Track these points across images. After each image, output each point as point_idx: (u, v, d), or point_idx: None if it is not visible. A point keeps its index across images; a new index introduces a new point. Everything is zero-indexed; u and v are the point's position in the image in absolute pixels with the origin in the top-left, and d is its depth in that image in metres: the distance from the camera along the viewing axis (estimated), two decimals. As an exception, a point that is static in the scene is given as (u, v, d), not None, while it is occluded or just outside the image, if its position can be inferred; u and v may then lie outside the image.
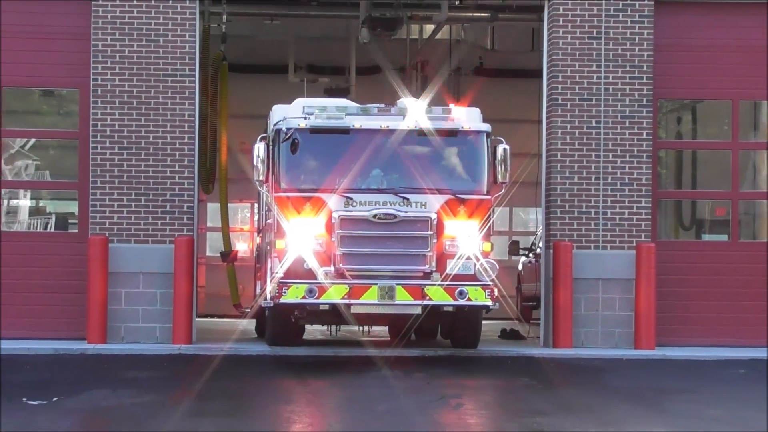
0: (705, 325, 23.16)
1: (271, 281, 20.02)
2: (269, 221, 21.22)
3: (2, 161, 23.45)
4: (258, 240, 26.33)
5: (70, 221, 23.99)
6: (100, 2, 22.50)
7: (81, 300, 22.27)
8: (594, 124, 22.89)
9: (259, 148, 20.09)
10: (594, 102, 22.92)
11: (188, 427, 15.27)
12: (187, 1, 22.59)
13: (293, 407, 17.15)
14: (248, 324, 25.86)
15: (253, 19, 28.19)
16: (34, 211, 26.04)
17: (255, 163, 20.07)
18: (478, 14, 27.62)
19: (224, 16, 26.10)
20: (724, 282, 23.31)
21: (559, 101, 22.91)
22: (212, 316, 29.63)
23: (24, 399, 17.04)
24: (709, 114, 26.54)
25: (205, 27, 24.98)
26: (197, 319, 23.60)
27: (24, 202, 25.71)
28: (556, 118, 22.91)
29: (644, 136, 22.93)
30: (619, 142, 22.91)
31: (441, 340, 23.78)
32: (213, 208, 32.58)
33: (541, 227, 24.33)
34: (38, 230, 25.59)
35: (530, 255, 28.82)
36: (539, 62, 23.99)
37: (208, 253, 32.92)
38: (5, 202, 24.13)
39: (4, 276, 22.54)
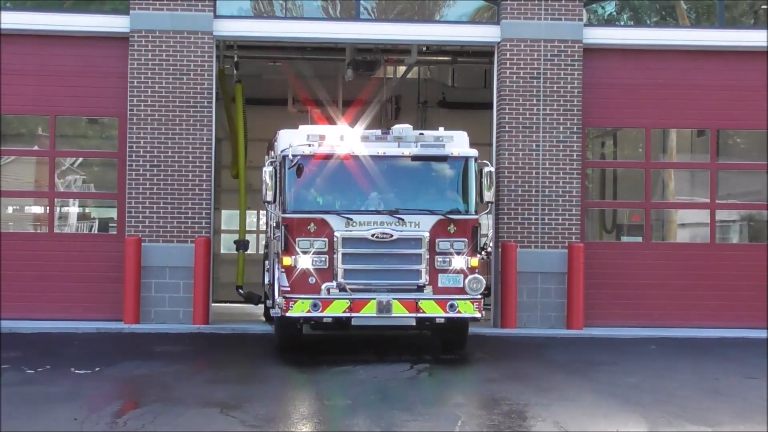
0: (623, 310, 23.14)
1: (279, 295, 18.41)
2: (277, 235, 19.39)
3: (56, 176, 23.37)
4: (265, 241, 26.13)
5: (110, 225, 23.92)
6: (136, 48, 22.44)
7: (119, 289, 22.19)
8: (534, 147, 22.87)
9: (267, 172, 18.36)
10: (534, 129, 22.90)
11: (207, 392, 15.23)
12: (206, 47, 22.54)
13: (291, 375, 17.12)
14: (255, 309, 25.74)
15: (259, 62, 28.13)
16: (81, 217, 25.95)
17: (264, 185, 18.41)
18: (441, 58, 27.64)
19: (235, 57, 26.06)
20: (638, 275, 23.31)
21: (506, 129, 22.89)
22: (225, 302, 29.45)
23: (72, 369, 16.99)
24: (627, 139, 26.57)
25: (220, 68, 24.92)
26: (213, 304, 23.54)
27: (73, 209, 25.62)
28: (504, 142, 22.89)
29: (575, 157, 22.92)
30: (555, 162, 22.89)
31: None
32: (226, 214, 32.55)
33: (491, 230, 24.26)
34: (84, 232, 25.50)
35: (483, 253, 28.70)
36: (490, 97, 23.98)
37: (222, 251, 32.75)
38: (58, 209, 24.05)
39: (58, 269, 22.55)
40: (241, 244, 25.06)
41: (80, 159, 25.11)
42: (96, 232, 25.30)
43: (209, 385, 15.87)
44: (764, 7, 24.55)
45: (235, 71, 26.11)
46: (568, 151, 22.92)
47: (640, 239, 24.46)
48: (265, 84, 29.42)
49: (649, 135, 23.83)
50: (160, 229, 22.42)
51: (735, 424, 13.64)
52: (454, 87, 30.66)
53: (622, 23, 24.56)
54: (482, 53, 25.45)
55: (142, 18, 22.49)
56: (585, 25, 23.17)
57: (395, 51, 26.67)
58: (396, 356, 18.70)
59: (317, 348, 19.75)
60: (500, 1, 23.04)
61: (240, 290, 24.97)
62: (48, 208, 23.32)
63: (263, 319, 24.27)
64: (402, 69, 29.40)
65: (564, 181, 22.87)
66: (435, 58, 27.76)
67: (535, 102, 22.93)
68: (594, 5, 23.96)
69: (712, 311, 23.21)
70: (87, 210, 26.12)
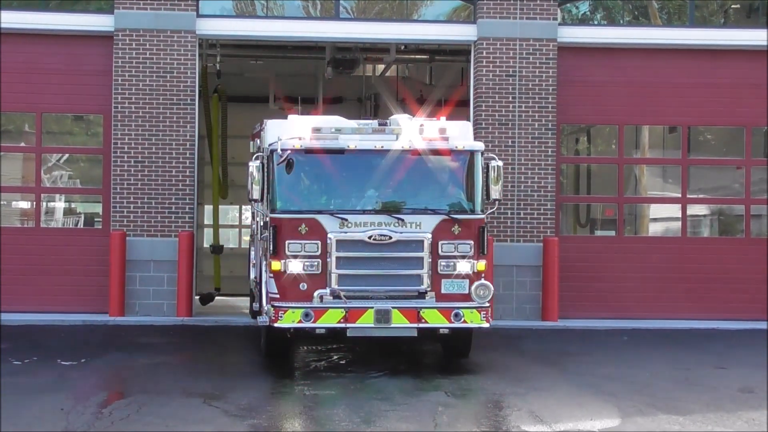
0: (597, 302, 23.19)
1: (267, 302, 16.47)
2: (264, 236, 17.22)
3: (42, 172, 23.30)
4: (250, 233, 25.97)
5: (95, 219, 23.83)
6: (120, 46, 22.37)
7: (104, 282, 22.13)
8: (510, 144, 22.89)
9: (254, 167, 16.36)
10: (510, 126, 22.92)
11: (190, 383, 15.20)
12: (189, 45, 22.48)
13: (272, 367, 17.07)
14: (237, 301, 25.69)
15: (241, 60, 28.07)
16: (68, 212, 25.84)
17: (249, 180, 16.38)
18: (419, 56, 27.60)
19: (218, 57, 26.02)
20: (611, 268, 23.36)
21: (483, 125, 22.89)
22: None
23: (58, 360, 16.95)
24: (600, 136, 26.60)
25: (203, 66, 24.86)
26: (196, 297, 23.50)
27: (59, 204, 25.51)
28: (480, 138, 22.80)
29: (549, 153, 22.95)
30: (530, 158, 22.91)
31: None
32: (209, 209, 32.42)
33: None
34: (70, 227, 25.40)
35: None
36: (467, 94, 23.99)
37: (205, 245, 32.62)
38: (44, 204, 23.99)
39: (44, 263, 22.49)
40: (216, 249, 25.04)
41: (66, 155, 25.00)
42: (82, 226, 25.17)
43: (192, 376, 15.85)
44: (734, 6, 24.66)
45: (217, 76, 26.07)
46: (543, 147, 22.94)
47: (613, 233, 24.50)
48: (247, 81, 29.37)
49: (622, 131, 23.88)
50: (145, 223, 22.36)
51: (705, 412, 13.70)
52: (432, 85, 30.64)
53: (596, 22, 24.59)
54: (459, 51, 25.44)
55: (127, 17, 22.42)
56: (559, 24, 23.20)
57: (374, 50, 26.65)
58: (379, 349, 18.67)
59: (304, 340, 19.64)
60: (476, 0, 23.05)
61: (213, 293, 25.10)
62: (35, 203, 23.26)
63: (246, 312, 24.22)
64: (381, 67, 29.38)
65: (539, 177, 22.90)
66: (413, 56, 27.73)
67: (510, 99, 22.94)
68: (568, 5, 23.98)
69: (684, 303, 23.27)
70: (73, 205, 26.00)
